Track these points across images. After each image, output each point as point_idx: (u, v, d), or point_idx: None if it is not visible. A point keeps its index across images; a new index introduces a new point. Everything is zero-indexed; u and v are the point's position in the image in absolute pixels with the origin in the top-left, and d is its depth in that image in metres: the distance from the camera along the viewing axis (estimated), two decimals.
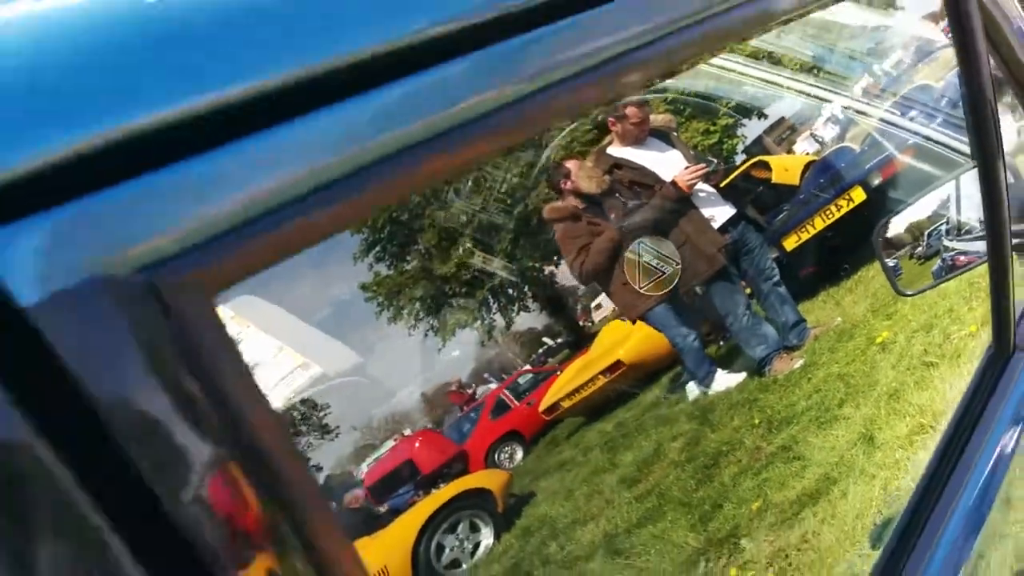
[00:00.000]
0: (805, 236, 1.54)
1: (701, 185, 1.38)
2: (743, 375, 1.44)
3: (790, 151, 1.43)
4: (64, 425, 0.24)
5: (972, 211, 1.19)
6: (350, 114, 0.28)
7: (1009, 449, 0.94)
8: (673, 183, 1.46)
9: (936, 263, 1.05)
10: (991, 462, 0.95)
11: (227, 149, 0.26)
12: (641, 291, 1.46)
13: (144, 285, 0.25)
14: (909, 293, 0.93)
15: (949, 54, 1.58)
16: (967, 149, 1.46)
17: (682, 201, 1.38)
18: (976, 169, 1.09)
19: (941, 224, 1.18)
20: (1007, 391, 0.95)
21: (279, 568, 0.29)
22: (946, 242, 1.15)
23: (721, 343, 1.50)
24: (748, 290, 1.50)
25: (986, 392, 0.94)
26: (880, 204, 1.34)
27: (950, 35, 0.99)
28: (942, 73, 1.71)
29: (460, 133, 0.32)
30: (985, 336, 1.09)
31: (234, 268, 0.27)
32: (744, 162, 1.57)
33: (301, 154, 0.27)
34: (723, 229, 1.38)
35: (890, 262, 1.00)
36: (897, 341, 1.11)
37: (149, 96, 0.25)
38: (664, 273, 1.44)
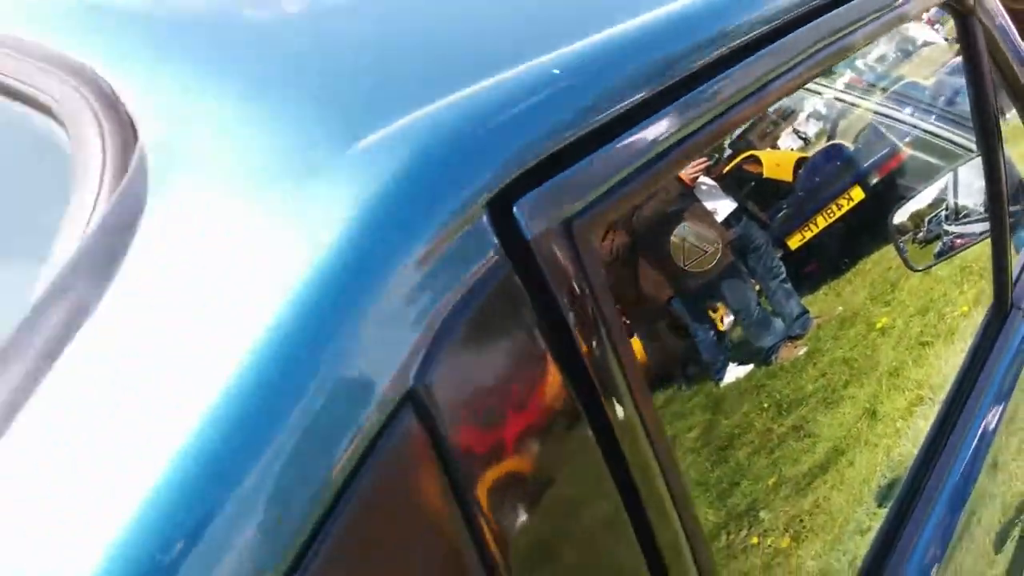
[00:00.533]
0: (808, 235, 1.60)
1: (703, 178, 1.44)
2: (751, 365, 1.51)
3: (774, 147, 1.49)
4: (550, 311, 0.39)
5: (969, 198, 1.32)
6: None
7: (1005, 398, 1.03)
8: (676, 177, 1.52)
9: (937, 245, 1.20)
10: (990, 413, 1.03)
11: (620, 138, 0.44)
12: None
13: (580, 226, 0.41)
14: (919, 268, 1.11)
15: (934, 52, 1.66)
16: (962, 142, 1.58)
17: (685, 194, 1.43)
18: (975, 159, 1.24)
19: (940, 211, 1.31)
20: (1005, 343, 1.08)
21: None
22: (946, 227, 1.29)
23: (730, 337, 1.57)
24: (756, 286, 1.57)
25: (987, 346, 1.07)
26: (877, 201, 1.41)
27: (959, 49, 1.12)
28: (930, 70, 1.77)
29: None
30: (976, 315, 1.19)
31: (610, 215, 0.43)
32: (734, 156, 1.61)
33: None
34: (727, 223, 1.45)
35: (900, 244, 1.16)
36: (895, 325, 1.17)
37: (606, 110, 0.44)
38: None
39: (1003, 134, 1.29)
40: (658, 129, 0.45)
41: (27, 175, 0.46)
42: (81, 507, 0.29)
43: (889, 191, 1.51)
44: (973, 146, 1.42)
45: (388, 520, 0.33)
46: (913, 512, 0.85)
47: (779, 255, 1.64)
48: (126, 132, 0.38)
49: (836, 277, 1.24)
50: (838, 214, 1.49)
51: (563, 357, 0.40)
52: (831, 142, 1.36)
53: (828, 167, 1.37)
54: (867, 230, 1.36)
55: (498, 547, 0.36)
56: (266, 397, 0.30)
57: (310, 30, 0.45)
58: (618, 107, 0.44)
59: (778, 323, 1.78)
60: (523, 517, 0.38)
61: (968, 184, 1.38)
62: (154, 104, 0.40)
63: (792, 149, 1.35)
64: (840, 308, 1.20)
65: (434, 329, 0.34)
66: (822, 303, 1.50)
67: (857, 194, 1.48)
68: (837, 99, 1.45)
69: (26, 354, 0.32)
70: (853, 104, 1.48)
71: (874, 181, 1.52)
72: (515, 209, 0.38)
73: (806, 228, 1.57)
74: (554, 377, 0.39)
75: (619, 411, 0.41)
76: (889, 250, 1.31)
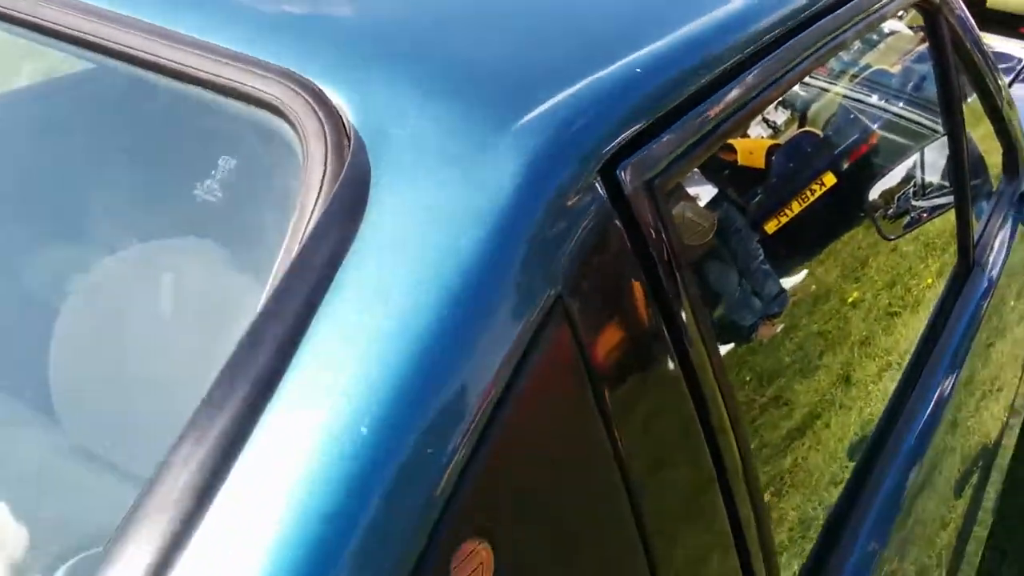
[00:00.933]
0: (784, 219, 1.67)
1: None
2: (732, 343, 1.59)
3: (745, 135, 1.57)
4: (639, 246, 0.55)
5: (933, 175, 1.44)
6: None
7: (964, 349, 1.14)
8: None
9: (906, 219, 1.32)
10: (952, 366, 1.13)
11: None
12: None
13: (658, 185, 0.56)
14: (892, 238, 1.21)
15: (899, 40, 1.75)
16: (928, 123, 1.69)
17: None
18: (938, 140, 1.36)
19: (908, 188, 1.43)
20: (968, 298, 1.20)
21: None
22: (913, 202, 1.42)
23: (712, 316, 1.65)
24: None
25: (951, 301, 1.19)
26: (849, 185, 1.44)
27: (927, 40, 1.23)
28: (895, 58, 1.84)
29: None
30: (940, 286, 1.28)
31: (676, 178, 0.60)
32: None
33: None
34: (710, 207, 1.53)
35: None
36: (865, 299, 1.24)
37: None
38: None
39: (964, 116, 1.40)
40: (705, 114, 0.61)
41: (262, 164, 0.57)
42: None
43: (860, 174, 1.57)
44: (937, 127, 1.52)
45: (547, 405, 0.48)
46: (879, 463, 0.94)
47: (757, 239, 1.72)
48: (337, 122, 0.51)
49: (810, 258, 1.30)
50: (812, 199, 1.56)
51: (649, 280, 0.55)
52: (803, 129, 1.43)
53: (800, 154, 1.44)
54: (839, 213, 1.44)
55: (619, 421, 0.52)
56: (483, 299, 0.45)
57: (464, 36, 0.61)
58: (677, 98, 0.59)
59: (756, 302, 1.87)
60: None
61: (933, 162, 1.50)
62: (350, 99, 0.53)
63: (763, 137, 1.42)
64: (814, 286, 1.28)
65: (570, 255, 0.49)
66: (797, 282, 1.58)
67: (829, 179, 1.54)
68: (805, 87, 1.52)
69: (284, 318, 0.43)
70: (822, 91, 1.55)
71: (845, 166, 1.59)
72: (618, 172, 0.54)
73: (782, 213, 1.64)
74: (640, 295, 0.55)
75: (685, 324, 0.58)
76: (859, 230, 1.39)
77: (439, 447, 0.41)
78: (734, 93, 0.64)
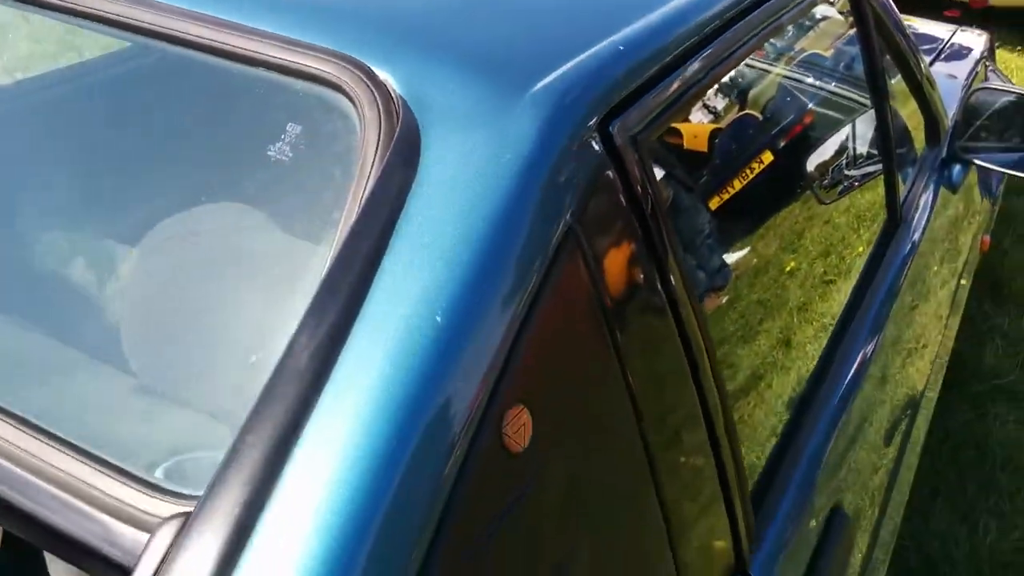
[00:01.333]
0: (726, 197, 1.75)
1: None
2: None
3: (686, 120, 1.64)
4: (630, 190, 0.68)
5: (863, 146, 1.54)
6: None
7: (892, 297, 1.24)
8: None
9: (840, 187, 1.42)
10: (880, 313, 1.23)
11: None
12: None
13: (640, 140, 0.70)
14: (827, 202, 1.30)
15: (832, 25, 1.85)
16: (859, 99, 1.80)
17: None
18: (866, 114, 1.46)
19: (841, 160, 1.53)
20: (895, 251, 1.31)
21: None
22: (846, 172, 1.52)
23: None
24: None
25: (880, 254, 1.30)
26: (786, 162, 1.52)
27: (853, 23, 1.33)
28: (828, 42, 1.94)
29: None
30: (845, 292, 1.37)
31: (654, 135, 0.73)
32: None
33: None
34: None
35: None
36: (801, 268, 1.33)
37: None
38: None
39: (891, 92, 1.51)
40: (675, 83, 0.75)
41: (326, 129, 0.67)
42: None
43: (797, 151, 1.66)
44: (866, 103, 1.63)
45: (566, 304, 0.62)
46: (811, 417, 1.04)
47: (701, 216, 1.81)
48: (385, 92, 0.62)
49: (751, 232, 1.36)
50: (751, 176, 1.65)
51: (634, 212, 0.68)
52: (742, 112, 1.50)
53: (741, 135, 1.51)
54: (777, 189, 1.52)
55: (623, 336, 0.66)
56: (516, 224, 0.58)
57: (483, 20, 0.74)
58: (652, 70, 0.72)
59: (701, 276, 1.98)
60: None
61: (862, 135, 1.62)
62: (394, 74, 0.64)
63: (705, 122, 1.50)
64: (755, 259, 1.37)
65: (577, 193, 0.62)
66: (739, 255, 1.66)
67: (767, 157, 1.64)
68: (746, 73, 1.60)
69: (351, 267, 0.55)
70: (761, 75, 1.63)
71: (783, 144, 1.68)
72: (610, 128, 0.67)
73: (724, 191, 1.73)
74: (629, 224, 0.68)
75: (669, 260, 0.72)
76: (795, 205, 1.49)
77: (492, 332, 0.55)
78: (697, 67, 0.78)
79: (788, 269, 1.41)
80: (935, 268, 1.65)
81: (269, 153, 0.69)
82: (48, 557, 0.62)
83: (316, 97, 0.65)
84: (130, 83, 1.10)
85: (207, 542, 0.47)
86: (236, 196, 0.78)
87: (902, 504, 1.52)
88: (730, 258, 1.67)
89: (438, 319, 0.53)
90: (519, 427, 0.56)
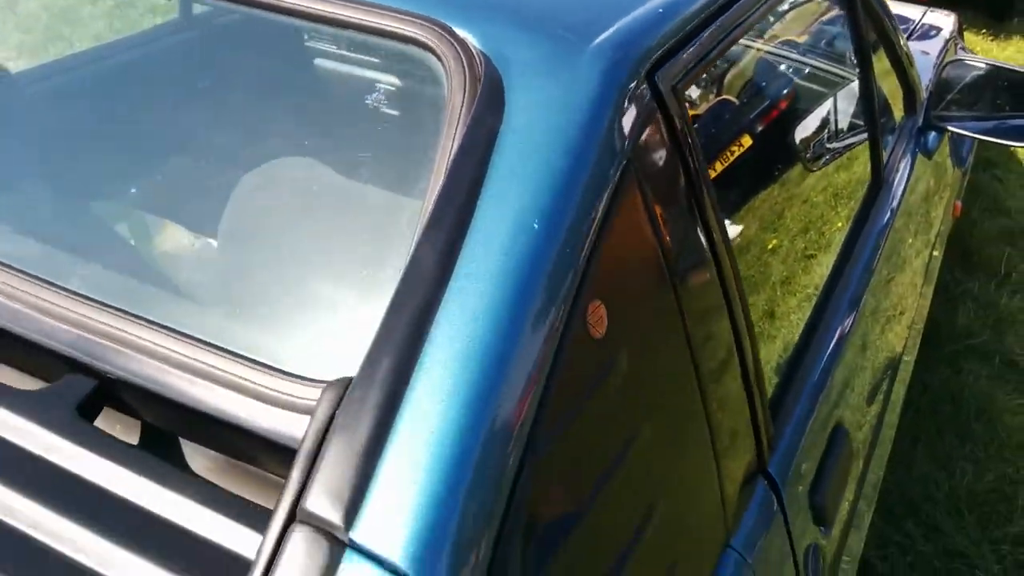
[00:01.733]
0: (743, 143, 1.75)
1: None
2: None
3: (712, 73, 1.68)
4: (673, 131, 0.81)
5: (844, 119, 1.66)
6: None
7: (876, 254, 1.36)
8: None
9: (824, 158, 1.52)
10: (865, 271, 1.36)
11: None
12: None
13: (678, 89, 0.82)
14: (815, 169, 1.40)
15: (807, 9, 1.97)
16: (835, 79, 1.93)
17: None
18: (846, 88, 1.58)
19: (823, 134, 1.64)
20: (880, 211, 1.43)
21: None
22: (827, 145, 1.62)
23: None
24: None
25: (864, 215, 1.42)
26: (765, 144, 1.58)
27: (836, 8, 1.44)
28: (816, 18, 2.04)
29: None
30: (837, 240, 1.48)
31: (690, 85, 0.86)
32: None
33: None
34: None
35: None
36: (783, 244, 1.39)
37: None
38: None
39: (873, 61, 1.62)
40: (706, 41, 0.87)
41: (417, 82, 0.79)
42: None
43: (775, 133, 1.68)
44: (843, 80, 1.74)
45: (630, 218, 0.74)
46: (796, 383, 1.15)
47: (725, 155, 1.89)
48: (468, 48, 0.73)
49: (734, 213, 1.41)
50: (731, 160, 1.63)
51: (676, 151, 0.80)
52: (719, 98, 1.58)
53: (719, 120, 1.55)
54: (756, 170, 1.58)
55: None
56: (586, 155, 0.69)
57: None
58: (686, 29, 0.83)
59: (726, 203, 2.06)
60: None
61: (843, 108, 1.74)
62: (472, 34, 0.75)
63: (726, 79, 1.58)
64: (739, 239, 1.39)
65: (632, 134, 0.74)
66: (753, 197, 1.70)
67: (746, 140, 1.68)
68: (725, 60, 1.69)
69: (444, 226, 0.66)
70: (739, 58, 1.72)
71: (760, 128, 1.70)
72: (655, 77, 0.78)
73: (740, 140, 1.78)
74: (673, 161, 0.80)
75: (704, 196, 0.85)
76: (776, 186, 1.57)
77: (575, 239, 0.66)
78: (722, 27, 0.90)
79: (770, 247, 1.51)
80: (909, 242, 1.77)
81: (367, 102, 0.80)
82: (189, 450, 0.73)
83: (407, 54, 0.76)
84: (252, 43, 1.22)
85: (366, 410, 0.57)
86: (349, 138, 0.89)
87: (884, 458, 1.65)
88: (746, 198, 1.74)
89: (535, 226, 0.64)
90: (599, 318, 0.68)
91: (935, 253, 2.10)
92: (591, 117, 0.71)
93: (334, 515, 0.53)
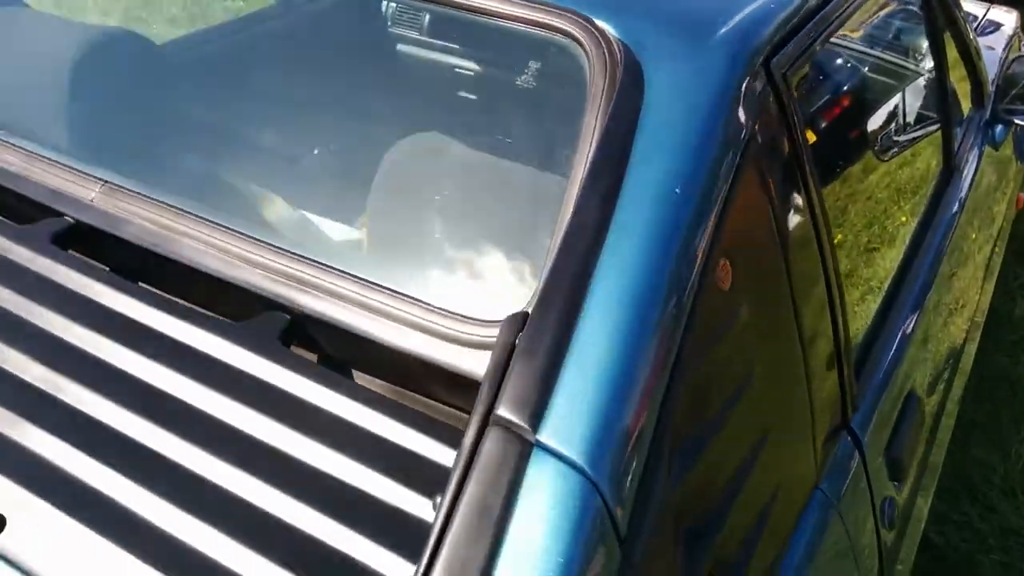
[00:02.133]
0: (844, 132, 1.75)
1: None
2: None
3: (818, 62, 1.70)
4: (785, 114, 0.93)
5: (911, 115, 1.72)
6: None
7: (948, 235, 1.44)
8: None
9: (899, 147, 1.59)
10: (939, 251, 1.44)
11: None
12: None
13: (788, 75, 0.94)
14: (885, 159, 1.47)
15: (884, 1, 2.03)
16: (903, 72, 2.00)
17: None
18: (915, 82, 1.65)
19: (891, 127, 1.71)
20: (951, 198, 1.51)
21: None
22: (894, 138, 1.69)
23: None
24: None
25: (936, 199, 1.50)
26: (857, 128, 1.62)
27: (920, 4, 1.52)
28: (881, 17, 2.09)
29: None
30: (912, 223, 1.55)
31: (800, 73, 0.97)
32: None
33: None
34: None
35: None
36: (848, 239, 1.41)
37: None
38: None
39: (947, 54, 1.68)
40: (813, 33, 0.97)
41: (561, 67, 0.89)
42: None
43: (863, 119, 1.69)
44: (917, 71, 1.81)
45: (753, 186, 0.85)
46: (874, 351, 1.24)
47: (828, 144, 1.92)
48: (608, 38, 0.84)
49: (831, 189, 1.40)
50: (831, 141, 1.71)
51: (787, 131, 0.91)
52: (821, 85, 1.64)
53: (821, 106, 1.60)
54: (849, 152, 1.61)
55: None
56: (716, 129, 0.81)
57: None
58: (793, 22, 0.94)
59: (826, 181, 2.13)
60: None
61: (911, 102, 1.80)
62: (611, 25, 0.85)
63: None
64: (833, 213, 1.48)
65: (753, 112, 0.84)
66: (851, 181, 1.74)
67: (842, 125, 1.63)
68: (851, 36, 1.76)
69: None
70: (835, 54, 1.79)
71: (852, 113, 1.71)
72: (770, 65, 0.87)
73: (843, 129, 1.81)
74: (785, 139, 0.91)
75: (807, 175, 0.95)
76: (837, 184, 1.62)
77: (708, 202, 0.77)
78: (826, 20, 1.00)
79: (835, 242, 1.57)
80: (973, 237, 1.82)
81: (517, 83, 0.92)
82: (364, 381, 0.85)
83: (551, 43, 0.88)
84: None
85: (545, 336, 0.68)
86: (505, 112, 1.00)
87: (946, 441, 1.72)
88: (844, 179, 1.80)
89: (677, 191, 0.75)
90: (726, 273, 0.79)
91: (995, 254, 2.15)
92: (718, 100, 0.81)
93: (523, 420, 0.65)
